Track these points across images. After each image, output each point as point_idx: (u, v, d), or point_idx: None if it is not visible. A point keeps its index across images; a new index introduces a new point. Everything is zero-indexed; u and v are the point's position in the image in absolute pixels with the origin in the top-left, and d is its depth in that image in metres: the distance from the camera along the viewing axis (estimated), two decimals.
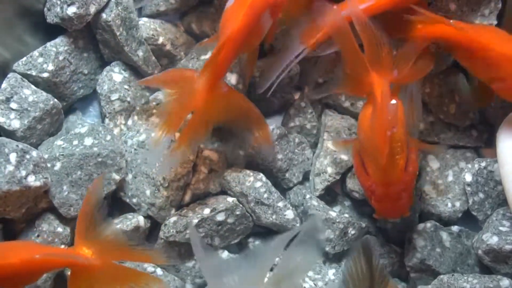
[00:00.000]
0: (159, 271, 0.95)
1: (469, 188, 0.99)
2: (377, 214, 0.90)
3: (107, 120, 0.99)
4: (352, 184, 0.99)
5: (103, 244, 0.84)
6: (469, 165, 1.00)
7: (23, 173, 0.86)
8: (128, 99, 0.99)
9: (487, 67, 0.89)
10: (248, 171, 0.98)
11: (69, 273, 0.87)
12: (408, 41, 0.90)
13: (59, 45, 0.97)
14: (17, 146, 0.87)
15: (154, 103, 0.98)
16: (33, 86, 0.95)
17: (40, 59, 0.96)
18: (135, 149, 0.97)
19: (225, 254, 0.97)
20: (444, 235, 0.98)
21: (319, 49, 0.94)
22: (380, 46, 0.86)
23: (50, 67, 0.96)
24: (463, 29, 0.89)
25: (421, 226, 0.98)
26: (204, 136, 0.90)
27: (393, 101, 0.86)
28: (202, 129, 0.88)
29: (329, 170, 0.99)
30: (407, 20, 0.90)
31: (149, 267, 0.94)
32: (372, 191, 0.87)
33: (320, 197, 0.99)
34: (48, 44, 0.97)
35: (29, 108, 0.93)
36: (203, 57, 0.99)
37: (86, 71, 1.00)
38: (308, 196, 0.98)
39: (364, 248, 0.89)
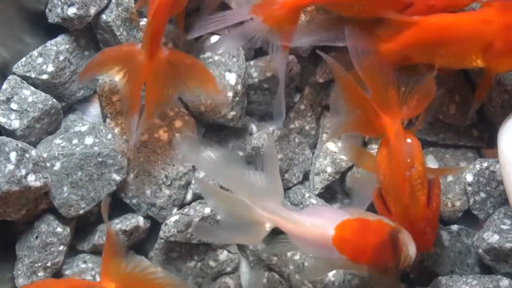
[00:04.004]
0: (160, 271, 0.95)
1: (470, 188, 0.98)
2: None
3: (108, 120, 0.98)
4: (351, 183, 0.99)
5: (128, 278, 0.81)
6: (470, 166, 0.99)
7: (23, 172, 0.86)
8: None
9: (472, 44, 0.87)
10: None
11: None
12: (378, 57, 0.88)
13: (60, 43, 0.97)
14: (17, 145, 0.87)
15: None
16: (32, 87, 0.95)
17: (40, 60, 0.96)
18: (137, 148, 0.97)
19: (224, 254, 0.97)
20: (444, 234, 0.97)
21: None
22: (386, 87, 0.86)
23: (50, 68, 0.96)
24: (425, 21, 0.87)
25: None
26: (167, 99, 0.93)
27: (408, 140, 0.86)
28: (162, 94, 0.91)
29: (329, 169, 0.99)
30: (373, 34, 0.89)
31: None
32: None
33: (319, 195, 0.99)
34: (48, 43, 0.96)
35: (28, 109, 0.94)
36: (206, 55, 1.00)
37: None
38: (307, 194, 0.98)
39: None
